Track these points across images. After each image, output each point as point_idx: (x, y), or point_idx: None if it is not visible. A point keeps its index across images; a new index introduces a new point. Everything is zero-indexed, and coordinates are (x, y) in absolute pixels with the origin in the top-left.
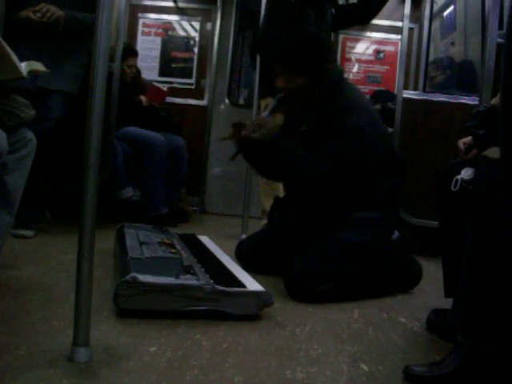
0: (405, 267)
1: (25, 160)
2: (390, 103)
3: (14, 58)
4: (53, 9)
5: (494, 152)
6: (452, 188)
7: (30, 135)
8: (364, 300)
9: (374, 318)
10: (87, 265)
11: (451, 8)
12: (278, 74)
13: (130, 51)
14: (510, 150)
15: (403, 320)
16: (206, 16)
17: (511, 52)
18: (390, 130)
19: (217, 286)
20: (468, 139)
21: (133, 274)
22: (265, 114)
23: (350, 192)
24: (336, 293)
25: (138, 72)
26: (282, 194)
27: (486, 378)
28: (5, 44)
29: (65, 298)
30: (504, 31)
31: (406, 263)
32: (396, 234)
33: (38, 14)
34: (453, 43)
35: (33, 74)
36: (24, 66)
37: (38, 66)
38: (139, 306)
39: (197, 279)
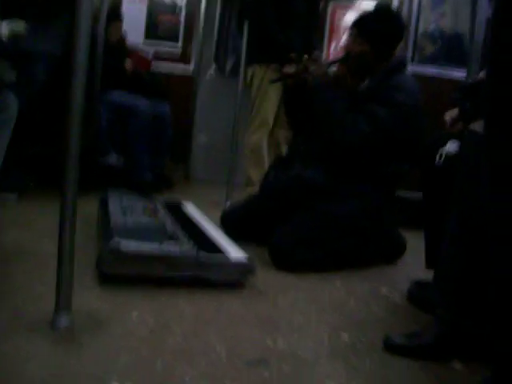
0: (389, 239)
1: (6, 123)
2: None
3: None
4: None
5: (479, 125)
6: (437, 161)
7: (11, 98)
8: (347, 270)
9: (356, 288)
10: (69, 231)
11: None
12: (350, 35)
13: (115, 15)
14: (493, 126)
15: (384, 291)
16: None
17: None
18: None
19: (200, 253)
20: (454, 112)
21: (116, 240)
22: (326, 61)
23: (367, 163)
24: (320, 263)
25: (123, 36)
26: (267, 163)
27: (464, 349)
28: None
29: (48, 263)
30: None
31: (389, 235)
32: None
33: None
34: (443, 14)
35: (15, 35)
36: (5, 27)
37: (19, 26)
38: (122, 272)
39: (180, 246)
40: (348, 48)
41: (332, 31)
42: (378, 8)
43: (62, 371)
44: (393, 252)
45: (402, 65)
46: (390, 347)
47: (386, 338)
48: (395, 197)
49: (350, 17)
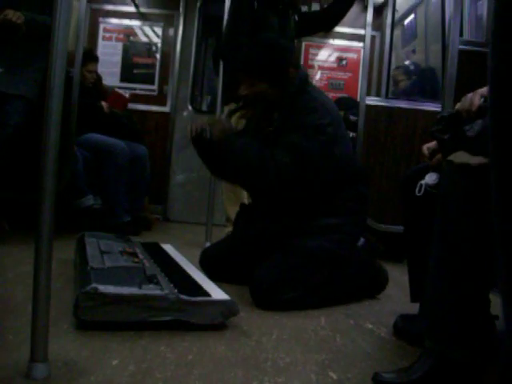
0: (371, 273)
1: None
2: (351, 116)
3: None
4: (12, 15)
5: (458, 156)
6: (416, 193)
7: None
8: (330, 307)
9: (341, 324)
10: (44, 275)
11: (412, 16)
12: (240, 81)
13: (91, 56)
14: (499, 149)
15: (370, 326)
16: (169, 22)
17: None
18: (352, 134)
19: (181, 296)
20: (432, 144)
21: (93, 285)
22: (223, 115)
23: (312, 194)
24: (302, 300)
25: (99, 78)
26: (246, 200)
27: (455, 382)
28: None
29: (21, 311)
30: (467, 38)
31: (371, 269)
32: (361, 240)
33: None
34: (414, 51)
35: None
36: None
37: None
38: (101, 318)
39: (160, 289)
40: (244, 94)
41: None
42: (254, 45)
43: None
44: (375, 286)
45: (303, 85)
46: None
47: (375, 374)
48: (366, 227)
49: (322, 55)
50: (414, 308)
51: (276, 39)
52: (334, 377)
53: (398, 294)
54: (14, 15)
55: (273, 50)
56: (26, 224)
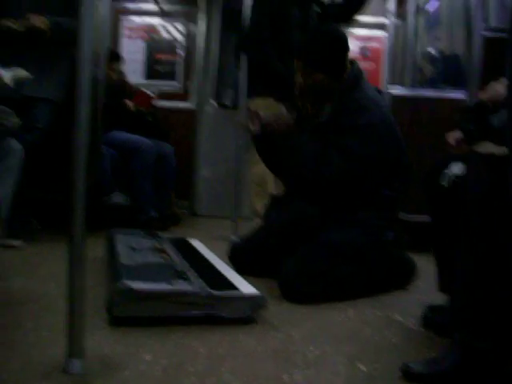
0: (399, 265)
1: (11, 170)
2: None
3: None
4: (36, 20)
5: (483, 146)
6: (442, 183)
7: (17, 145)
8: (358, 299)
9: (369, 316)
10: (78, 273)
11: (435, 3)
12: (297, 69)
13: (114, 55)
14: None
15: (398, 317)
16: (190, 18)
17: None
18: None
19: (210, 291)
20: (457, 133)
21: (125, 281)
22: (282, 108)
23: (355, 193)
24: (330, 293)
25: (123, 76)
26: (275, 191)
27: (484, 373)
28: None
29: (55, 308)
30: (492, 25)
31: (399, 261)
32: (390, 232)
33: (22, 28)
34: (438, 38)
35: (17, 82)
36: (8, 74)
37: (23, 74)
38: (133, 314)
39: (190, 284)
40: (300, 83)
41: None
42: (314, 33)
43: None
44: (403, 277)
45: (357, 79)
46: (408, 375)
47: (404, 365)
48: (397, 220)
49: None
50: (441, 298)
51: (339, 32)
52: (363, 368)
53: (425, 285)
54: (39, 20)
55: (336, 42)
56: (56, 223)
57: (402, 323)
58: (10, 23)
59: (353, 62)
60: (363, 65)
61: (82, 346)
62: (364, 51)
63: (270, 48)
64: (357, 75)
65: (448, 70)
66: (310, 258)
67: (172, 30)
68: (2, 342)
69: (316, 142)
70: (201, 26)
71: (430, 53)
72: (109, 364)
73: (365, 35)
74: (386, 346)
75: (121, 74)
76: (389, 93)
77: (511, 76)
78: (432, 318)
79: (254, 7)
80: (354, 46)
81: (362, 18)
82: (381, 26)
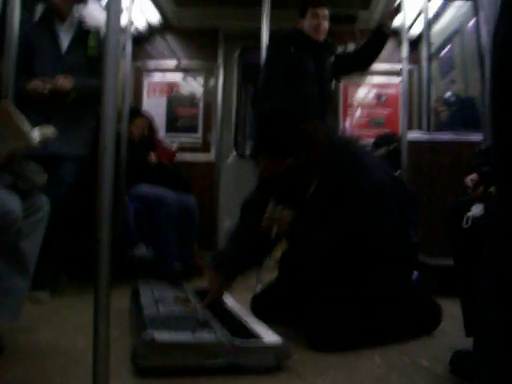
0: (425, 309)
1: (39, 225)
2: (395, 144)
3: (25, 126)
4: (64, 82)
5: None
6: (463, 225)
7: (44, 200)
8: (385, 345)
9: (397, 362)
10: (104, 325)
11: (448, 47)
12: (263, 164)
13: (136, 113)
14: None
15: (426, 363)
16: (209, 72)
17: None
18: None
19: (234, 340)
20: (474, 176)
21: (150, 332)
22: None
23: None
24: (357, 340)
25: (153, 130)
26: None
27: None
28: (15, 112)
29: (83, 361)
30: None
31: (425, 305)
32: (415, 274)
33: (46, 90)
34: (453, 81)
35: (45, 139)
36: (36, 133)
37: (49, 130)
38: (157, 364)
39: (214, 334)
40: (273, 174)
41: (345, 109)
42: (260, 119)
43: None
44: (430, 322)
45: (340, 146)
46: None
47: None
48: (421, 263)
49: (361, 93)
50: (469, 343)
51: (274, 109)
52: None
53: (453, 330)
54: (64, 81)
55: (285, 116)
56: (83, 275)
57: (430, 369)
58: (39, 83)
59: (328, 132)
60: (381, 111)
61: None
62: (380, 98)
63: (283, 100)
64: (338, 143)
65: (465, 112)
66: (335, 306)
67: (192, 85)
68: None
69: (320, 228)
70: (219, 80)
71: (445, 96)
72: None
73: (381, 82)
74: None
75: (150, 128)
76: (407, 138)
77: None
78: (460, 363)
79: (269, 59)
80: (370, 94)
81: (377, 65)
82: (395, 72)
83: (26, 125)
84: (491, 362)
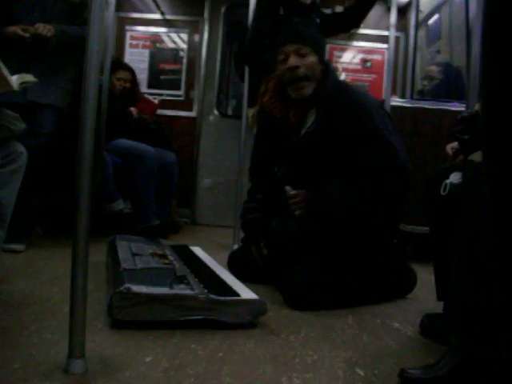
0: (399, 273)
1: (16, 174)
2: None
3: (5, 71)
4: (44, 29)
5: (479, 156)
6: (441, 192)
7: (21, 149)
8: (358, 306)
9: (368, 323)
10: (81, 276)
11: (436, 16)
12: (288, 53)
13: (119, 64)
14: (491, 151)
15: (397, 325)
16: (194, 28)
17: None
18: None
19: (211, 295)
20: (455, 144)
21: (126, 285)
22: (287, 188)
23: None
24: (332, 302)
25: (136, 84)
26: None
27: (480, 379)
28: None
29: (58, 311)
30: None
31: (400, 269)
32: (394, 241)
33: (27, 35)
34: (438, 51)
35: (24, 86)
36: (15, 79)
37: (29, 78)
38: (134, 317)
39: (190, 289)
40: (295, 64)
41: None
42: (303, 22)
43: None
44: (403, 286)
45: (340, 83)
46: (406, 380)
47: (401, 371)
48: (399, 229)
49: (347, 57)
50: (440, 307)
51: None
52: (361, 373)
53: (425, 295)
54: (45, 28)
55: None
56: (57, 228)
57: (401, 331)
58: (19, 30)
59: (328, 66)
60: (365, 77)
61: (83, 347)
62: (365, 63)
63: (269, 57)
64: (337, 79)
65: (450, 82)
66: (314, 269)
67: (176, 40)
68: (4, 342)
69: (337, 185)
70: (204, 36)
71: (443, 63)
72: (109, 365)
73: (367, 47)
74: (384, 353)
75: (127, 81)
76: (390, 104)
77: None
78: (430, 326)
79: (257, 16)
80: (355, 59)
81: (364, 30)
82: (383, 39)
83: (5, 70)
84: (459, 325)
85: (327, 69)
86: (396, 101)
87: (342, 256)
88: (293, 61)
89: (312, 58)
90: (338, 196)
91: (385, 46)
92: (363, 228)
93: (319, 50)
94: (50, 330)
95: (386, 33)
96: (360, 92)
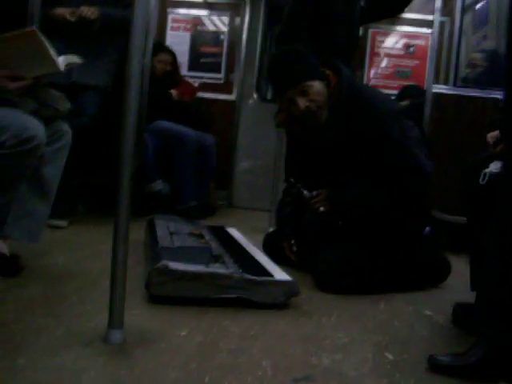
0: (434, 262)
1: (61, 152)
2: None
3: (53, 52)
4: (89, 12)
5: None
6: (480, 181)
7: (66, 128)
8: (391, 293)
9: (400, 310)
10: (122, 251)
11: (483, 1)
12: (292, 97)
13: (160, 47)
14: None
15: (429, 313)
16: (235, 11)
17: None
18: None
19: (245, 275)
20: (496, 133)
21: (164, 262)
22: (305, 193)
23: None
24: (364, 286)
25: (177, 67)
26: None
27: (510, 369)
28: (44, 39)
29: (98, 284)
30: None
31: (434, 259)
32: (427, 229)
33: (73, 18)
34: (485, 37)
35: (70, 67)
36: (62, 60)
37: (75, 59)
38: (170, 293)
39: (226, 268)
40: (305, 106)
41: (372, 57)
42: (284, 62)
43: None
44: (437, 275)
45: (354, 87)
46: (434, 366)
47: (431, 357)
48: (434, 218)
49: (389, 42)
50: (473, 298)
51: (295, 47)
52: (390, 357)
53: (459, 285)
54: (89, 11)
55: (302, 52)
56: (99, 206)
57: (433, 319)
58: (66, 14)
59: (340, 71)
60: (408, 63)
61: (121, 318)
62: (408, 48)
63: (307, 44)
64: (351, 83)
65: (494, 69)
66: (348, 252)
67: (217, 23)
68: (48, 312)
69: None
70: (245, 19)
71: (487, 50)
72: (146, 337)
73: (410, 32)
74: (414, 339)
75: (173, 64)
76: (432, 91)
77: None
78: (462, 316)
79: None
80: (398, 44)
81: (408, 15)
82: (427, 24)
83: (52, 51)
84: (489, 315)
85: (339, 73)
86: (439, 88)
87: (372, 243)
88: (301, 104)
89: (315, 88)
90: (360, 191)
91: (429, 31)
92: (386, 221)
93: (316, 72)
94: (90, 301)
95: (430, 17)
96: (376, 96)
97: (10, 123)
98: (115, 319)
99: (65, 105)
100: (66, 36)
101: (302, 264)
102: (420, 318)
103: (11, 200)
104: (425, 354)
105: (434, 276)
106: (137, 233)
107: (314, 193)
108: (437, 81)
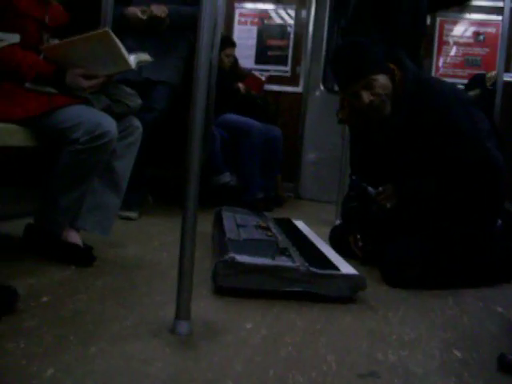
0: (505, 257)
1: (132, 146)
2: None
3: (124, 51)
4: (159, 11)
5: None
6: None
7: (137, 123)
8: (460, 288)
9: (470, 306)
10: (190, 243)
11: None
12: (357, 91)
13: (228, 41)
14: None
15: (500, 310)
16: (301, 3)
17: None
18: None
19: (311, 268)
20: None
21: (231, 254)
22: (370, 190)
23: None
24: (432, 280)
25: (236, 61)
26: None
27: None
28: (116, 38)
29: (167, 275)
30: None
31: (507, 253)
32: (499, 222)
33: (145, 16)
34: None
35: (140, 64)
36: (133, 59)
37: (145, 57)
38: (236, 285)
39: (292, 261)
40: (369, 100)
41: (440, 46)
42: (346, 55)
43: (181, 374)
44: (510, 270)
45: (420, 78)
46: (504, 365)
47: (501, 355)
48: (505, 210)
49: (458, 30)
50: None
51: (357, 40)
52: (459, 355)
53: None
54: (159, 9)
55: (357, 46)
56: (168, 199)
57: (504, 316)
58: (139, 13)
59: (404, 65)
60: (478, 51)
61: (189, 309)
62: (478, 36)
63: (375, 34)
64: (416, 76)
65: None
66: (416, 244)
67: (283, 16)
68: (118, 301)
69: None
70: (311, 12)
71: None
72: (212, 328)
73: (480, 20)
74: (484, 336)
75: (233, 58)
76: (503, 80)
77: None
78: None
79: None
80: (468, 32)
81: (478, 1)
82: (497, 10)
83: (124, 50)
84: None
85: (403, 66)
86: (510, 76)
87: (441, 236)
88: (365, 98)
89: (380, 81)
90: (428, 185)
91: (499, 17)
92: (456, 215)
93: (381, 66)
94: (159, 292)
95: (500, 3)
96: (443, 87)
97: (84, 120)
98: (182, 310)
99: (136, 101)
100: (137, 34)
101: (368, 259)
102: (491, 315)
103: (85, 193)
104: (495, 353)
105: (505, 271)
106: (204, 225)
107: (380, 189)
108: (508, 69)
